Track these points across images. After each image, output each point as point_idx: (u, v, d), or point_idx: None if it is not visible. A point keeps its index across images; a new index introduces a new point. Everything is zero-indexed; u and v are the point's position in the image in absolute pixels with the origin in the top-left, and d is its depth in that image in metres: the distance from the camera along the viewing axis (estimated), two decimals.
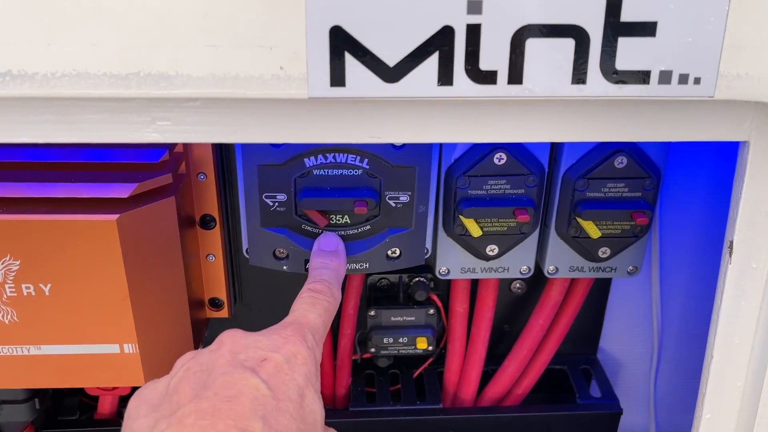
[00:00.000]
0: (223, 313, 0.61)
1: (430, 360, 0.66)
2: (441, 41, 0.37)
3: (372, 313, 0.61)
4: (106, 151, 0.48)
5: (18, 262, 0.46)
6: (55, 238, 0.45)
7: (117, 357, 0.50)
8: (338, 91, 0.37)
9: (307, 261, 0.52)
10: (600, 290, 0.67)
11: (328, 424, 0.44)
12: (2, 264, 0.46)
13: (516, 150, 0.51)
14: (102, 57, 0.36)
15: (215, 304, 0.60)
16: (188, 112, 0.40)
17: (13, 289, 0.47)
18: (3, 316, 0.48)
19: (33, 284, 0.47)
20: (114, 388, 0.58)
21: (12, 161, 0.46)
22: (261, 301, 0.64)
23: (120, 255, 0.46)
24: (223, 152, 0.55)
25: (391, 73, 0.37)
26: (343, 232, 0.51)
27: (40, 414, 0.56)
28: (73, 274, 0.47)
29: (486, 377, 0.66)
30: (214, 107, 0.40)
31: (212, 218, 0.56)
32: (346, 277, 0.59)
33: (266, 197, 0.49)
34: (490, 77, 0.38)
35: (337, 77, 0.37)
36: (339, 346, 0.62)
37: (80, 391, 0.61)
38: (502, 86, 0.38)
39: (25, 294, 0.47)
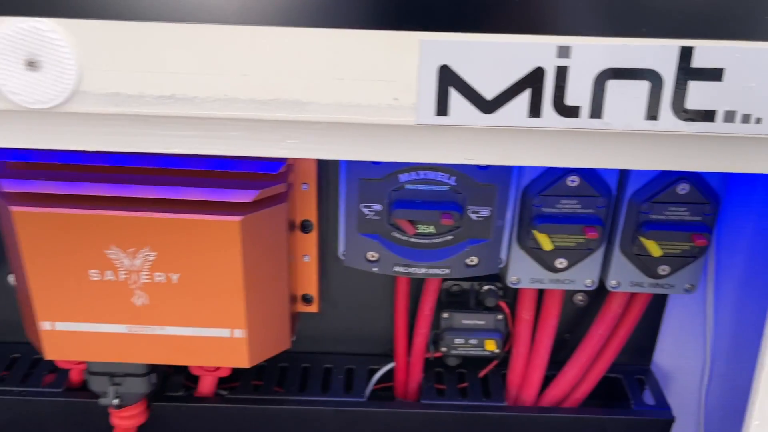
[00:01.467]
0: (313, 308, 0.68)
1: (495, 362, 0.72)
2: (533, 80, 0.43)
3: (445, 315, 0.67)
4: (232, 161, 0.55)
5: (155, 254, 0.54)
6: (187, 235, 0.53)
7: (227, 340, 0.58)
8: (442, 120, 0.44)
9: (395, 264, 0.58)
10: (657, 305, 0.72)
11: (401, 415, 0.49)
12: (142, 254, 0.54)
13: (587, 174, 0.57)
14: (250, 85, 0.43)
15: (306, 299, 0.67)
16: (313, 133, 0.47)
17: (148, 277, 0.55)
18: (136, 299, 0.56)
19: (165, 273, 0.55)
20: (216, 369, 0.66)
21: (154, 167, 0.55)
22: (345, 299, 0.71)
23: (240, 252, 0.54)
24: (323, 166, 0.62)
25: (488, 106, 0.44)
26: (427, 241, 0.57)
27: (153, 388, 0.64)
28: (199, 266, 0.54)
29: (546, 381, 0.72)
30: (334, 129, 0.47)
31: (310, 223, 0.63)
32: (423, 280, 0.65)
33: (364, 207, 0.56)
34: (573, 111, 0.44)
35: (442, 108, 0.43)
36: (414, 344, 0.69)
37: (184, 371, 0.69)
38: (584, 119, 0.44)
39: (156, 281, 0.55)
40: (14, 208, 0.52)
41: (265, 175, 0.54)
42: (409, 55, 0.43)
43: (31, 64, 0.42)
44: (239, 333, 0.58)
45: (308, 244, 0.64)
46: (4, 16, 0.41)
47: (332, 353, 0.73)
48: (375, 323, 0.73)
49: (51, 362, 0.70)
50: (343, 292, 0.70)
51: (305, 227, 0.63)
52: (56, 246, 0.53)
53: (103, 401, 0.62)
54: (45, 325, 0.57)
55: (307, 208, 0.62)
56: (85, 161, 0.53)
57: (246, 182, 0.53)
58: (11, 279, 0.69)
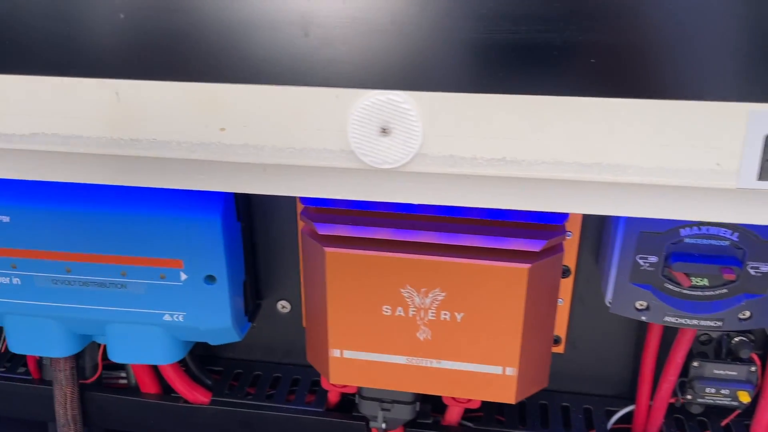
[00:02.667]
0: (559, 348, 0.71)
1: (737, 412, 0.72)
2: None
3: (696, 364, 0.68)
4: (518, 211, 0.59)
5: (444, 294, 0.59)
6: (476, 278, 0.58)
7: (498, 377, 0.62)
8: (763, 185, 0.46)
9: (665, 314, 0.60)
10: None
11: None
12: (432, 294, 0.59)
13: None
14: (575, 150, 0.47)
15: (555, 340, 0.70)
16: (606, 191, 0.50)
17: (434, 314, 0.60)
18: (420, 334, 0.61)
19: (450, 312, 0.60)
20: (468, 401, 0.70)
21: (449, 216, 0.60)
22: (586, 341, 0.73)
23: (524, 297, 0.58)
24: (587, 216, 0.65)
25: None
26: (700, 293, 0.59)
27: (415, 416, 0.69)
28: (483, 307, 0.59)
29: None
30: (633, 189, 0.50)
31: (568, 269, 0.66)
32: (677, 330, 0.66)
33: (639, 257, 0.58)
34: None
35: (765, 173, 0.45)
36: (659, 389, 0.70)
37: (431, 400, 0.74)
38: None
39: (441, 319, 0.60)
40: (328, 249, 0.59)
41: (550, 225, 0.58)
42: (736, 124, 0.45)
43: (384, 131, 0.48)
44: (510, 371, 0.61)
45: (564, 289, 0.67)
46: (364, 89, 0.48)
47: (571, 392, 0.76)
48: (613, 366, 0.75)
49: (309, 382, 0.78)
50: (585, 334, 0.73)
51: (563, 273, 0.66)
52: (358, 283, 0.60)
53: (373, 424, 0.68)
54: (334, 353, 0.64)
55: (568, 255, 0.66)
56: (386, 208, 0.60)
57: (532, 231, 0.57)
58: (280, 306, 0.77)
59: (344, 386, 0.72)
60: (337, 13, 0.45)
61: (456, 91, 0.47)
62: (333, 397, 0.75)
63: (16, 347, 0.71)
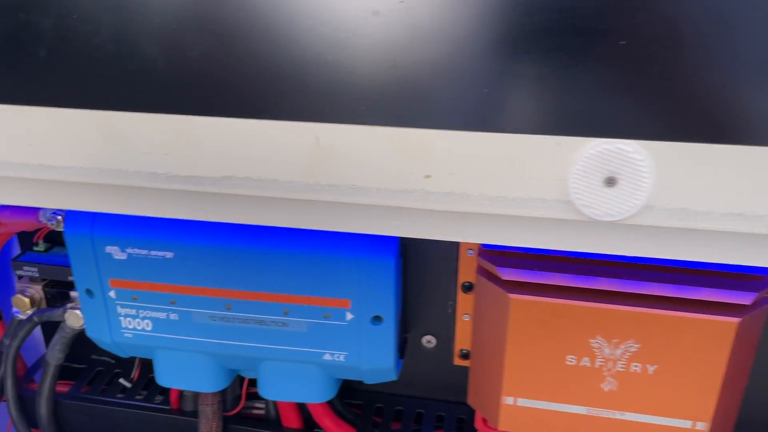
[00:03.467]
0: None
1: None
2: None
3: None
4: None
5: (638, 346, 0.56)
6: (676, 331, 0.54)
7: (685, 431, 0.58)
8: None
9: None
10: None
11: None
12: (624, 345, 0.56)
13: None
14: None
15: None
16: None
17: (624, 366, 0.57)
18: (605, 385, 0.58)
19: (642, 364, 0.56)
20: None
21: (644, 263, 0.56)
22: None
23: (728, 351, 0.54)
24: None
25: None
26: None
27: None
28: (679, 359, 0.55)
29: None
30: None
31: None
32: None
33: None
34: None
35: None
36: None
37: None
38: None
39: (631, 370, 0.57)
40: (513, 296, 0.56)
41: (758, 276, 0.54)
42: None
43: (610, 181, 0.45)
44: (701, 425, 0.58)
45: None
46: (588, 137, 0.45)
47: None
48: None
49: (453, 420, 0.75)
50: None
51: None
52: (543, 331, 0.57)
53: None
54: (507, 400, 0.61)
55: None
56: (574, 253, 0.57)
57: (741, 282, 0.54)
58: (425, 340, 0.75)
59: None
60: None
61: (690, 141, 0.43)
62: None
63: (165, 380, 0.70)
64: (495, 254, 0.58)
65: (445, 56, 0.43)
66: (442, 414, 0.76)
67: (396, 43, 0.43)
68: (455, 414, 0.75)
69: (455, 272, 0.69)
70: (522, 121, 0.44)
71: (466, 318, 0.67)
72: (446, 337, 0.74)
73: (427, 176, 0.48)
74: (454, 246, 0.69)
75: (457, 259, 0.68)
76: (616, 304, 0.55)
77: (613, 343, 0.56)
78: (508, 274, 0.56)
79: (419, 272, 0.72)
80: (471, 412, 0.76)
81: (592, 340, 0.56)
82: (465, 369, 0.74)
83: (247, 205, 0.53)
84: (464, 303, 0.67)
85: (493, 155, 0.46)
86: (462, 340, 0.69)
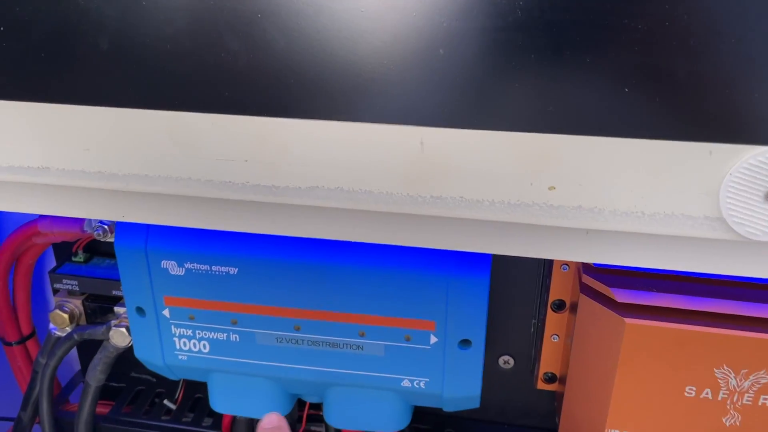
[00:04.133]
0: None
1: None
2: None
3: None
4: None
5: None
6: None
7: None
8: None
9: None
10: None
11: None
12: (754, 377, 0.50)
13: None
14: None
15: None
16: None
17: (751, 399, 0.51)
18: (727, 419, 0.52)
19: None
20: None
21: (765, 284, 0.50)
22: None
23: None
24: None
25: None
26: None
27: None
28: None
29: None
30: None
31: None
32: None
33: None
34: None
35: None
36: None
37: None
38: None
39: (760, 404, 0.51)
40: (629, 321, 0.50)
41: None
42: None
43: None
44: None
45: None
46: (748, 144, 0.39)
47: None
48: None
49: None
50: None
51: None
52: (659, 359, 0.51)
53: None
54: None
55: None
56: (699, 273, 0.51)
57: None
58: (502, 361, 0.69)
59: None
60: None
61: None
62: None
63: (221, 406, 0.63)
64: (606, 273, 0.52)
65: (575, 51, 0.37)
66: None
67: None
68: None
69: (541, 288, 0.62)
70: (667, 125, 0.38)
71: (555, 339, 0.61)
72: (526, 358, 0.68)
73: (551, 188, 0.41)
74: (540, 259, 0.63)
75: (544, 274, 0.62)
76: (749, 331, 0.49)
77: (742, 375, 0.50)
78: (624, 296, 0.50)
79: (498, 286, 0.66)
80: None
81: (717, 371, 0.50)
82: (546, 393, 0.68)
83: (334, 218, 0.47)
84: (553, 323, 0.61)
85: (630, 164, 0.39)
86: (548, 362, 0.63)
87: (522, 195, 0.41)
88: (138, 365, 0.68)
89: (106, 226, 0.61)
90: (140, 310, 0.59)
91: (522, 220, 0.42)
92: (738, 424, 0.52)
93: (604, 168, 0.39)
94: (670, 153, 0.38)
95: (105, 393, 0.79)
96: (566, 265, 0.58)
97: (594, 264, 0.52)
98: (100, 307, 0.69)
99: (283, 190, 0.44)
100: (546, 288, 0.60)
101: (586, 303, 0.53)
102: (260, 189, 0.44)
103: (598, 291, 0.52)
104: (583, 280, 0.53)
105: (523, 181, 0.41)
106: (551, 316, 0.60)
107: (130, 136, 0.45)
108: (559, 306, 0.60)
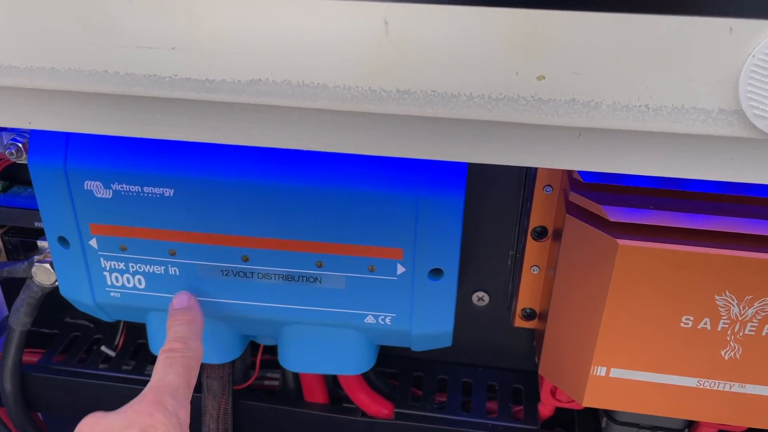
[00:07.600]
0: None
1: None
2: None
3: None
4: None
5: None
6: None
7: None
8: None
9: None
10: None
11: None
12: (759, 303, 0.45)
13: None
14: None
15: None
16: None
17: (754, 329, 0.46)
18: (726, 352, 0.47)
19: None
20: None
21: None
22: None
23: None
24: None
25: None
26: None
27: None
28: None
29: None
30: None
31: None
32: None
33: None
34: None
35: None
36: None
37: None
38: None
39: (764, 335, 0.46)
40: (622, 242, 0.44)
41: None
42: None
43: None
44: None
45: None
46: None
47: None
48: None
49: (509, 390, 0.64)
50: None
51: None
52: (655, 287, 0.45)
53: None
54: (598, 370, 0.49)
55: None
56: (699, 187, 0.45)
57: None
58: (476, 297, 0.63)
59: (570, 401, 0.59)
60: None
61: None
62: (546, 411, 0.62)
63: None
64: (597, 189, 0.46)
65: None
66: (494, 384, 0.65)
67: None
68: (510, 383, 0.64)
69: (521, 214, 0.56)
70: None
71: (535, 271, 0.56)
72: (501, 294, 0.62)
73: (540, 77, 0.34)
74: (519, 180, 0.57)
75: (524, 197, 0.55)
76: (753, 251, 0.43)
77: (746, 301, 0.45)
78: (617, 215, 0.44)
79: (471, 212, 0.59)
80: (529, 381, 0.65)
81: (718, 297, 0.45)
82: (524, 332, 0.63)
83: (281, 121, 0.40)
84: (534, 253, 0.55)
85: (632, 47, 0.33)
86: (527, 297, 0.57)
87: (506, 87, 0.34)
88: (73, 309, 0.60)
89: (20, 144, 0.52)
90: (63, 241, 0.52)
91: (505, 118, 0.35)
92: (738, 357, 0.47)
93: (604, 51, 0.33)
94: (681, 32, 0.32)
95: (38, 340, 0.72)
96: (549, 186, 0.52)
97: (583, 179, 0.46)
98: (22, 242, 0.61)
99: (218, 84, 0.36)
100: (526, 213, 0.54)
101: (573, 225, 0.47)
102: (191, 83, 0.37)
103: (587, 210, 0.46)
104: (571, 199, 0.47)
105: (508, 69, 0.34)
106: (531, 245, 0.54)
107: (31, 20, 0.37)
108: (540, 234, 0.54)
